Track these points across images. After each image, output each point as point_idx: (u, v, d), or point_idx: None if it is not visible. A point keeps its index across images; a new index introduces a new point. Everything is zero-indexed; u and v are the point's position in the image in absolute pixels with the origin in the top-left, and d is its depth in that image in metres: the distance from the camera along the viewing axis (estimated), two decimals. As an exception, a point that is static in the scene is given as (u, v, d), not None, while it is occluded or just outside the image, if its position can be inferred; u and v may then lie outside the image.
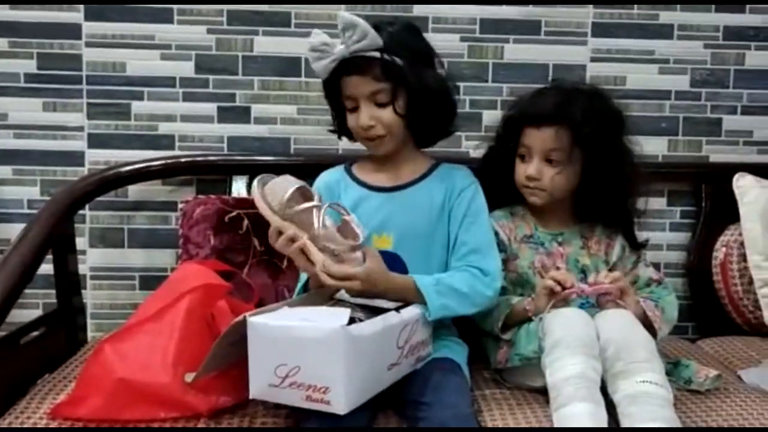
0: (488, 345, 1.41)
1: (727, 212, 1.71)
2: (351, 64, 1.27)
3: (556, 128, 1.33)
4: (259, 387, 1.08)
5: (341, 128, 1.39)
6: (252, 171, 1.70)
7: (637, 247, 1.44)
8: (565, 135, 1.33)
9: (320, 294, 1.26)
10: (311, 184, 1.44)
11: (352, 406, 1.04)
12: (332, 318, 1.07)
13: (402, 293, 1.24)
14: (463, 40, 1.76)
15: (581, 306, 1.32)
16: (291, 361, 1.05)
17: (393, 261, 1.30)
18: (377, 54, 1.25)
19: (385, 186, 1.38)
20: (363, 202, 1.37)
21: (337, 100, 1.34)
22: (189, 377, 1.13)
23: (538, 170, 1.35)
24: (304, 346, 1.04)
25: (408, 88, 1.28)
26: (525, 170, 1.37)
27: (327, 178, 1.42)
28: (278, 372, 1.05)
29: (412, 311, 1.21)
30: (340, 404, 1.03)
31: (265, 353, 1.07)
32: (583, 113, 1.33)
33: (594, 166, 1.35)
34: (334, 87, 1.32)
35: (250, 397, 1.09)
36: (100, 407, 1.12)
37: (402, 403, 1.21)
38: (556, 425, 1.14)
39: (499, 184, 1.44)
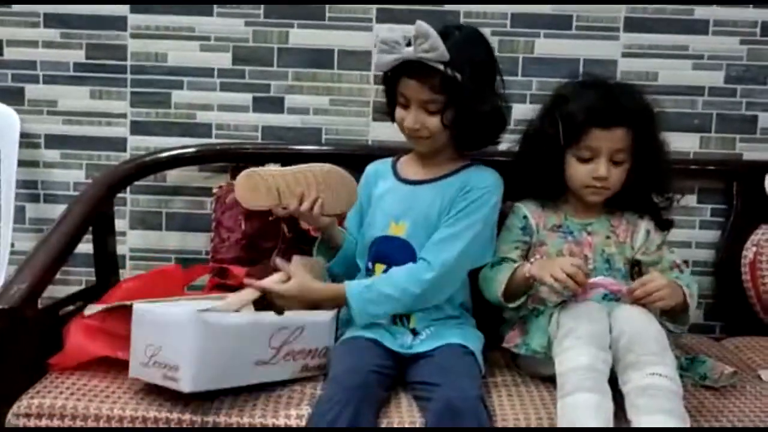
0: (504, 328, 1.43)
1: (759, 211, 1.69)
2: (413, 68, 1.32)
3: (624, 130, 1.35)
4: (135, 365, 1.21)
5: (392, 115, 1.44)
6: (283, 159, 1.75)
7: (664, 226, 1.45)
8: (630, 135, 1.35)
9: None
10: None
11: (198, 388, 1.15)
12: (198, 304, 1.18)
13: (336, 301, 1.32)
14: (494, 34, 1.77)
15: (604, 297, 1.33)
16: (156, 341, 1.18)
17: (403, 248, 1.38)
18: (440, 66, 1.30)
19: (412, 179, 1.44)
20: (391, 191, 1.44)
21: (391, 91, 1.40)
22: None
23: (608, 170, 1.36)
24: (164, 328, 1.17)
25: (459, 105, 1.32)
26: (591, 171, 1.36)
27: (370, 168, 1.52)
28: (147, 351, 1.18)
29: (299, 319, 1.27)
30: (186, 383, 1.14)
31: (140, 335, 1.21)
32: (641, 113, 1.37)
33: (644, 162, 1.38)
34: (391, 80, 1.38)
35: (130, 375, 1.22)
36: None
37: (413, 385, 1.25)
38: (559, 413, 1.16)
39: (536, 180, 1.44)
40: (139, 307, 1.22)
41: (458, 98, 1.32)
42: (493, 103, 1.38)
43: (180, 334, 1.15)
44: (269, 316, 1.25)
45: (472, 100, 1.32)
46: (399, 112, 1.38)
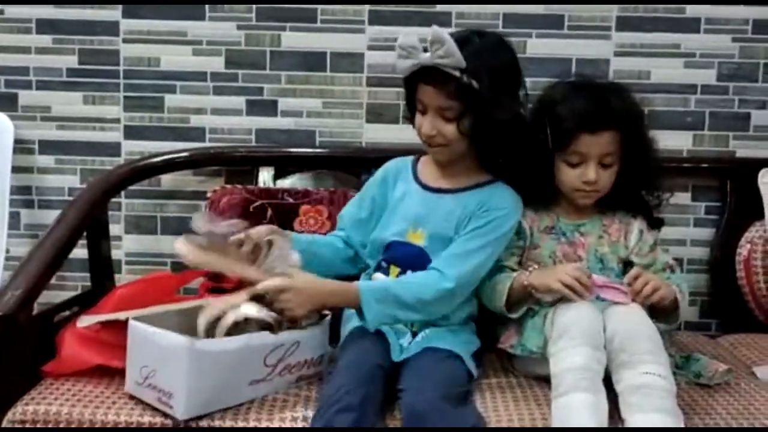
0: (499, 329, 1.43)
1: (753, 208, 1.68)
2: (430, 74, 1.30)
3: (612, 133, 1.34)
4: (130, 382, 1.22)
5: (413, 121, 1.42)
6: (277, 162, 1.77)
7: (655, 224, 1.44)
8: (618, 138, 1.35)
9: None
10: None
11: (191, 414, 1.16)
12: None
13: (344, 300, 1.29)
14: (486, 35, 1.78)
15: (597, 296, 1.32)
16: (151, 364, 1.18)
17: (420, 256, 1.36)
18: (457, 73, 1.28)
19: (432, 186, 1.42)
20: (409, 194, 1.43)
21: (411, 97, 1.39)
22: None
23: (597, 174, 1.35)
24: (159, 353, 1.17)
25: (476, 113, 1.30)
26: (580, 175, 1.36)
27: (388, 166, 1.49)
28: (142, 372, 1.19)
29: (294, 336, 1.26)
30: (179, 411, 1.15)
31: (135, 353, 1.21)
32: (629, 115, 1.36)
33: (632, 163, 1.37)
34: (411, 85, 1.37)
35: (125, 390, 1.23)
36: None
37: (396, 392, 1.24)
38: (553, 413, 1.16)
39: (527, 184, 1.42)
40: (134, 325, 1.21)
41: (475, 106, 1.29)
42: (513, 112, 1.34)
43: (174, 363, 1.14)
44: (264, 337, 1.22)
45: (490, 108, 1.29)
46: (417, 118, 1.37)
